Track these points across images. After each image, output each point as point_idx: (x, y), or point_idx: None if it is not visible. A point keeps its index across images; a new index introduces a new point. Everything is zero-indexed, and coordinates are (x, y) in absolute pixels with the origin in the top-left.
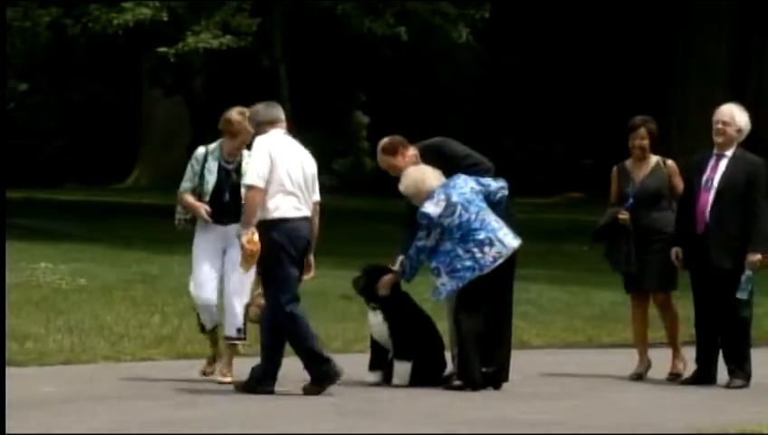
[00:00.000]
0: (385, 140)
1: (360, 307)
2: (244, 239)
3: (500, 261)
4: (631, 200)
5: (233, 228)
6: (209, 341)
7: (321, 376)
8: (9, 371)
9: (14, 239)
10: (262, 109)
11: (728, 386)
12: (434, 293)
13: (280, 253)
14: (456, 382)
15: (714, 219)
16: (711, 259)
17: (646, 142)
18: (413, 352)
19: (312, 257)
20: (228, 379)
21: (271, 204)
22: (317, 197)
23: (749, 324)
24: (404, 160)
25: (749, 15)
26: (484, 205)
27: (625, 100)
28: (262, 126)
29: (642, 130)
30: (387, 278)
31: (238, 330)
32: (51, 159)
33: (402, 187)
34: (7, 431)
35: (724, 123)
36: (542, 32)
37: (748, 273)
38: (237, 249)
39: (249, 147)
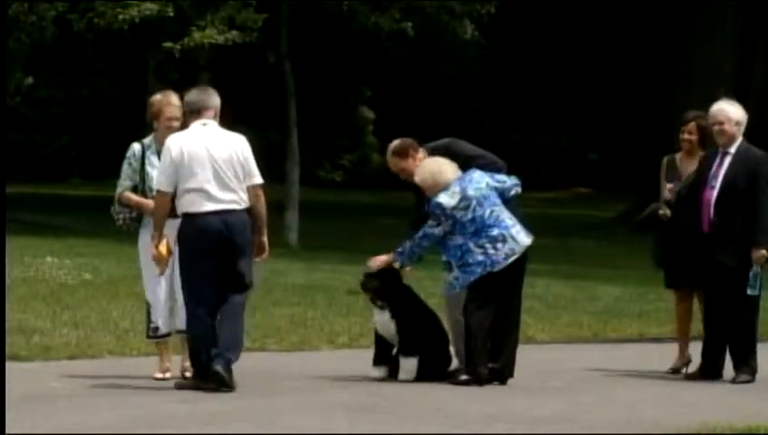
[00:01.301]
0: (395, 142)
1: (366, 301)
2: (153, 245)
3: (512, 258)
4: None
5: None
6: (162, 347)
7: (199, 378)
8: (15, 365)
9: (19, 234)
10: (193, 96)
11: (734, 381)
12: (447, 288)
13: (185, 248)
14: (463, 377)
15: (718, 216)
16: (716, 256)
17: (694, 137)
18: (419, 348)
19: (264, 239)
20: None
21: (179, 202)
22: (255, 180)
23: (756, 320)
24: (414, 163)
25: (754, 13)
26: (498, 201)
27: (630, 94)
28: (188, 117)
29: (692, 125)
30: (382, 258)
31: None
32: (56, 154)
33: (418, 178)
34: (13, 426)
35: (720, 123)
36: (548, 27)
37: (756, 269)
38: None
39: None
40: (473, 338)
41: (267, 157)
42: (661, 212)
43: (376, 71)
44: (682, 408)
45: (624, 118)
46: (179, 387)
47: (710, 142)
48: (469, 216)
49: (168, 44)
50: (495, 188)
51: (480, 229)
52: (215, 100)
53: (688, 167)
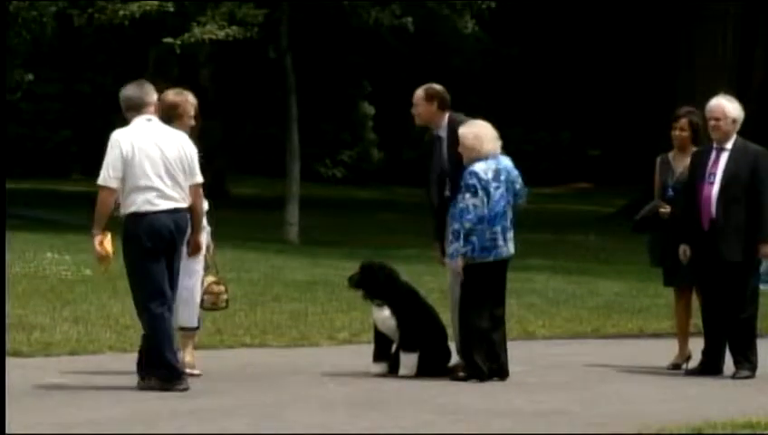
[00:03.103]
0: (430, 84)
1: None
2: (96, 242)
3: (500, 258)
4: (671, 192)
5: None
6: None
7: (165, 379)
8: (15, 361)
9: (20, 230)
10: (133, 92)
11: (734, 377)
12: (450, 256)
13: (135, 248)
14: (462, 374)
15: (720, 213)
16: (721, 253)
17: (686, 134)
18: (419, 344)
19: (200, 239)
20: (197, 371)
21: (127, 200)
22: (197, 179)
23: (756, 315)
24: (430, 111)
25: (756, 9)
26: (510, 200)
27: (631, 90)
28: (129, 112)
29: (683, 122)
30: (459, 264)
31: (198, 320)
32: (57, 149)
33: (462, 131)
34: (14, 422)
35: (717, 119)
36: (549, 22)
37: (766, 264)
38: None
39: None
40: (470, 337)
41: (268, 152)
42: (662, 210)
43: (376, 66)
44: (682, 403)
45: (625, 114)
46: (143, 389)
47: (702, 138)
48: (497, 196)
49: (168, 40)
50: (514, 188)
51: (495, 216)
52: (154, 96)
53: (682, 163)
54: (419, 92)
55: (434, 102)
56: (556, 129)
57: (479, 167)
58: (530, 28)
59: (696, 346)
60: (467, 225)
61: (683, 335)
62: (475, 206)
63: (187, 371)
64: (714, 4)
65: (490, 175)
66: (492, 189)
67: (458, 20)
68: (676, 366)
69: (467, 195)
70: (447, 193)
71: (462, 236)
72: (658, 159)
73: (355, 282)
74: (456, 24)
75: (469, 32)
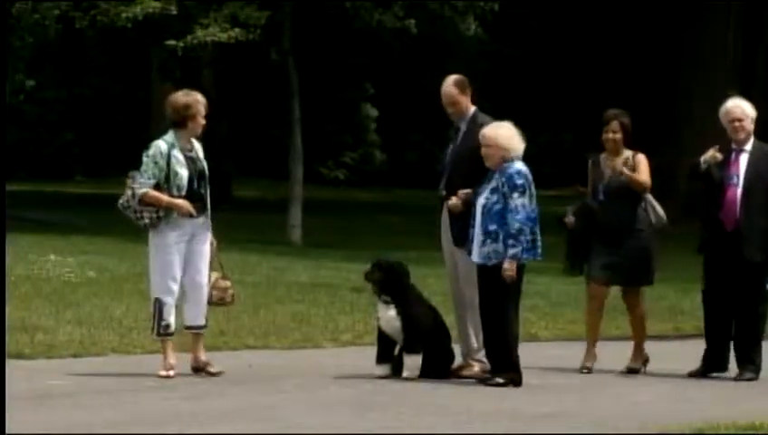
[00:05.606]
0: (454, 75)
1: (370, 299)
2: None
3: (537, 259)
4: (601, 196)
5: (201, 219)
6: (168, 344)
7: None
8: (18, 363)
9: (22, 232)
10: None
11: (738, 378)
12: (485, 257)
13: None
14: (500, 380)
15: (744, 214)
16: (744, 254)
17: (618, 136)
18: (422, 346)
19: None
20: (216, 368)
21: None
22: None
23: (763, 318)
24: (468, 102)
25: (758, 10)
26: None
27: (634, 91)
28: None
29: (614, 124)
30: (511, 267)
31: (206, 318)
32: (59, 151)
33: (496, 132)
34: (16, 423)
35: (740, 120)
36: (551, 24)
37: None
38: (204, 240)
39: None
40: (513, 340)
41: (270, 154)
42: (566, 219)
43: (379, 68)
44: (685, 405)
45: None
46: None
47: (632, 139)
48: (535, 195)
49: (170, 42)
50: None
51: (536, 217)
52: None
53: (612, 166)
54: (452, 90)
55: (467, 92)
56: (558, 131)
57: (523, 166)
58: (532, 30)
59: (697, 348)
60: (516, 225)
61: (593, 337)
62: (524, 205)
63: (209, 369)
64: (716, 1)
65: (529, 176)
66: (533, 189)
67: (461, 22)
68: (587, 369)
69: (515, 194)
70: (443, 191)
71: (500, 238)
72: (590, 162)
73: (377, 279)
74: (459, 27)
75: (472, 34)
